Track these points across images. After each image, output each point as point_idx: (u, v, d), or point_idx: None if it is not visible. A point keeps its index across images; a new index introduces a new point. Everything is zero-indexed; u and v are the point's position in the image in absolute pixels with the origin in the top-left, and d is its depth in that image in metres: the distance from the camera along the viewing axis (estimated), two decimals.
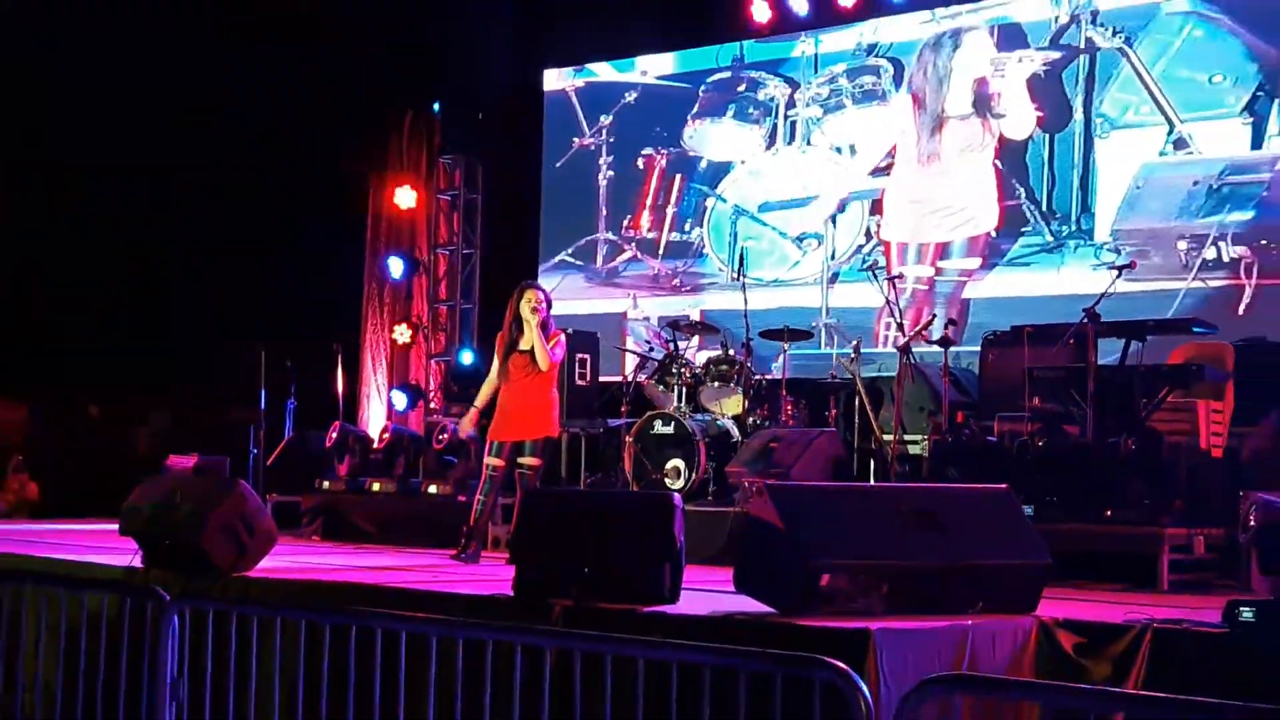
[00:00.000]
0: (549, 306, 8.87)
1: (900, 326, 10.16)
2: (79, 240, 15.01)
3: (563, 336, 8.94)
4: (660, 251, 13.88)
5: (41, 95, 14.62)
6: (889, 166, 12.58)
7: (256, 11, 14.35)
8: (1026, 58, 11.97)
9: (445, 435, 11.10)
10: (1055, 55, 11.83)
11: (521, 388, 8.78)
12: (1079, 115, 11.63)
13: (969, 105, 12.22)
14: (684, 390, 10.77)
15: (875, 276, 10.49)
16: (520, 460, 8.69)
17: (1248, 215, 10.75)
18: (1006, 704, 5.21)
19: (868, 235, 12.60)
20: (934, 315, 10.15)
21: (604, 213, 14.25)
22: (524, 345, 8.70)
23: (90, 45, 13.70)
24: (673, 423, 10.37)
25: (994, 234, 11.96)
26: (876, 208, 12.52)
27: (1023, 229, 11.81)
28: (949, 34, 12.43)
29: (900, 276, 11.09)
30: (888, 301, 10.32)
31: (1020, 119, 11.96)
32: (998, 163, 11.98)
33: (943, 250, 12.16)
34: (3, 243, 15.10)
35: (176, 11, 14.40)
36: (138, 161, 15.01)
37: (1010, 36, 12.12)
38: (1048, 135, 11.74)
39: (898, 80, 12.63)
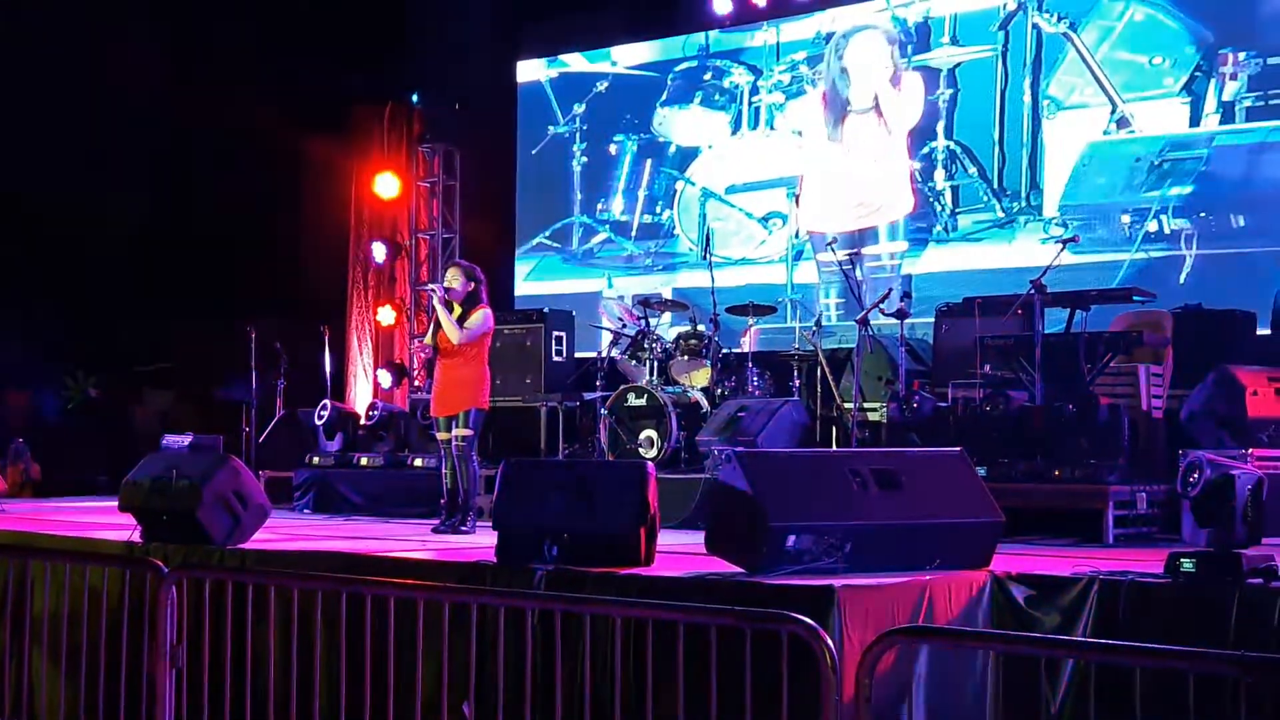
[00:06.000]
0: (476, 281, 8.74)
1: (859, 300, 10.18)
2: (77, 225, 14.94)
3: (488, 310, 8.78)
4: (633, 233, 13.88)
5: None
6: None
7: (245, 6, 14.28)
8: (923, 56, 12.09)
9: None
10: (957, 51, 11.98)
11: (445, 364, 8.75)
12: (1027, 98, 11.66)
13: (868, 100, 12.34)
14: (656, 364, 10.78)
15: (833, 250, 10.51)
16: (454, 431, 8.67)
17: (1187, 190, 10.81)
18: (964, 653, 5.26)
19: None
20: (890, 289, 10.17)
21: (578, 197, 14.23)
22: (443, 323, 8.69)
23: (70, 37, 13.59)
24: (645, 395, 10.39)
25: (910, 217, 12.10)
26: (797, 200, 12.56)
27: (957, 209, 11.88)
28: (848, 31, 12.55)
29: (858, 252, 11.13)
30: (847, 276, 10.34)
31: (911, 112, 12.13)
32: (906, 152, 12.15)
33: (864, 236, 12.21)
34: (11, 232, 15.04)
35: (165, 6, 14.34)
36: (135, 151, 14.97)
37: (910, 34, 12.24)
38: (998, 117, 11.78)
39: None
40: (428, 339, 8.97)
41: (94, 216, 14.85)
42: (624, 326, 11.56)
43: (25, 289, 15.45)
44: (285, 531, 8.63)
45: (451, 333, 8.61)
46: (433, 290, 8.77)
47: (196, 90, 13.92)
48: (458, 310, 8.70)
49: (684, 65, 13.71)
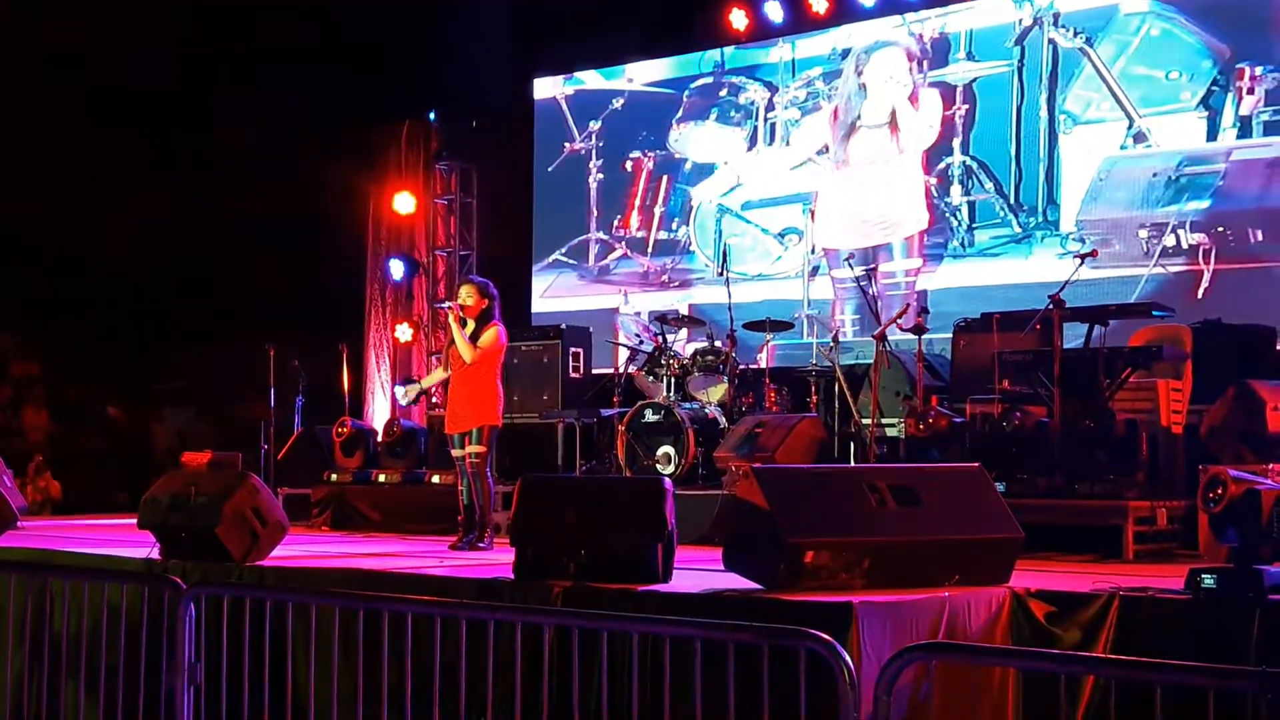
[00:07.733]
0: (489, 297, 8.71)
1: (875, 316, 10.17)
2: (95, 245, 15.02)
3: (501, 327, 8.73)
4: (649, 249, 13.89)
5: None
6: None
7: (262, 28, 14.36)
8: (939, 72, 12.08)
9: None
10: (973, 66, 12.00)
11: (458, 380, 8.72)
12: (1043, 113, 11.64)
13: (882, 116, 12.35)
14: (673, 380, 10.78)
15: (850, 266, 10.50)
16: (467, 448, 8.65)
17: (1204, 204, 10.78)
18: (982, 670, 5.23)
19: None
20: (908, 305, 10.15)
21: (595, 213, 14.25)
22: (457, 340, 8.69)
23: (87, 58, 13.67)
24: (663, 411, 10.38)
25: (927, 233, 12.08)
26: (812, 215, 12.54)
27: (974, 225, 11.87)
28: (869, 46, 12.55)
29: (875, 268, 11.11)
30: (864, 291, 10.33)
31: (929, 130, 12.13)
32: (923, 167, 12.16)
33: (880, 253, 12.20)
34: (31, 250, 15.12)
35: (186, 25, 14.42)
36: (153, 169, 15.04)
37: (926, 50, 12.25)
38: (1014, 132, 11.77)
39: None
40: (440, 372, 9.00)
41: (112, 235, 14.93)
42: (641, 343, 11.56)
43: (43, 308, 15.53)
44: (303, 548, 8.64)
45: (465, 350, 8.60)
46: (449, 308, 8.78)
47: (214, 108, 13.99)
48: (471, 326, 8.71)
49: (700, 82, 13.73)
